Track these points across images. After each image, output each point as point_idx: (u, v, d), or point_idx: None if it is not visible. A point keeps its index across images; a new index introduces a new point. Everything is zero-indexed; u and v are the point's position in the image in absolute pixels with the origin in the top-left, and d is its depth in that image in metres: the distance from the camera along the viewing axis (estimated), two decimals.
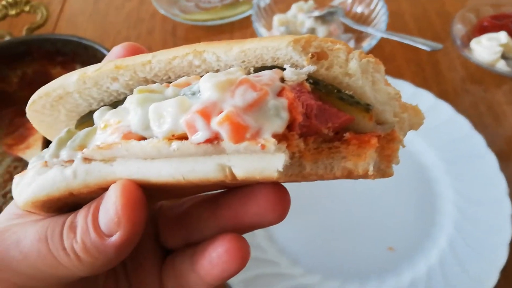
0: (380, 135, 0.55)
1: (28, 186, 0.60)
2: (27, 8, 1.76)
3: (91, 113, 0.63)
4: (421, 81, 1.67)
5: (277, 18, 1.80)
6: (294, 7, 1.84)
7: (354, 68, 0.54)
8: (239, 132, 0.47)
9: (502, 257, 1.19)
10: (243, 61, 0.55)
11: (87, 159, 0.57)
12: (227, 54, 0.55)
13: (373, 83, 0.57)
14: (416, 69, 1.73)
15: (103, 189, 0.56)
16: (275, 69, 0.53)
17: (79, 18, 2.07)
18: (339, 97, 0.54)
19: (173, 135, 0.51)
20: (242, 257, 0.57)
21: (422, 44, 1.55)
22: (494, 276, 1.16)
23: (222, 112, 0.48)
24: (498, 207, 1.28)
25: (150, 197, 0.57)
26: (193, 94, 0.53)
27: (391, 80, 1.55)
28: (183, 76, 0.59)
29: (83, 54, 1.66)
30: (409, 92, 1.53)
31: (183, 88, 0.55)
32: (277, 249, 1.29)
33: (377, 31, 1.67)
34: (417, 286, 1.20)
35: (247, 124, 0.47)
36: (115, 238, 0.52)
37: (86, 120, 0.65)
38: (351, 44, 1.77)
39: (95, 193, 0.58)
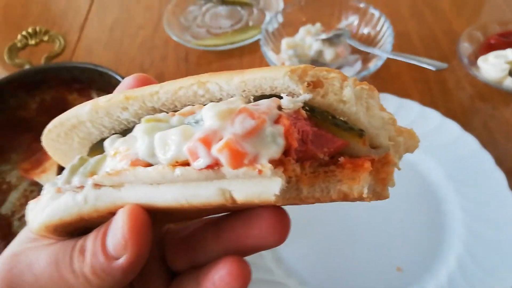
0: (374, 159, 0.57)
1: (42, 211, 0.64)
2: (46, 38, 1.84)
3: (102, 140, 0.67)
4: (429, 100, 1.68)
5: (285, 42, 1.84)
6: (302, 30, 1.87)
7: (348, 95, 0.56)
8: (238, 158, 0.49)
9: None
10: (244, 90, 0.58)
11: (97, 185, 0.60)
12: (228, 84, 0.59)
13: (368, 109, 0.59)
14: (423, 88, 1.74)
15: (112, 213, 0.59)
16: (273, 98, 0.56)
17: (95, 46, 2.15)
18: (334, 123, 0.57)
19: (176, 162, 0.53)
20: (244, 279, 0.58)
21: (428, 64, 1.56)
22: None
23: (222, 139, 0.51)
24: (508, 226, 1.26)
25: (157, 221, 0.60)
26: (197, 122, 0.56)
27: (397, 99, 1.57)
28: (189, 105, 0.63)
29: (98, 81, 1.72)
30: (416, 111, 1.54)
31: (187, 116, 0.58)
32: (285, 270, 1.29)
33: (383, 52, 1.69)
34: None
35: (245, 150, 0.50)
36: (122, 260, 0.54)
37: (98, 147, 0.68)
38: (358, 65, 1.80)
39: (105, 218, 0.60)
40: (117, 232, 0.55)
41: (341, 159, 0.56)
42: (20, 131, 1.72)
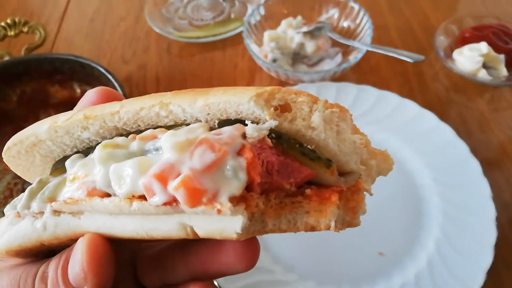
0: (343, 189, 0.56)
1: (1, 236, 0.63)
2: (25, 29, 1.81)
3: (65, 158, 0.66)
4: (407, 92, 1.73)
5: (267, 34, 1.87)
6: (284, 23, 1.90)
7: (316, 121, 0.54)
8: (195, 197, 0.47)
9: (487, 258, 1.23)
10: (208, 114, 0.56)
11: (56, 212, 0.59)
12: (191, 107, 0.56)
13: (338, 133, 0.57)
14: (402, 80, 1.80)
15: (73, 240, 0.58)
16: (237, 125, 0.53)
17: (76, 37, 2.13)
18: (301, 152, 0.55)
19: (133, 196, 0.52)
20: None
21: (405, 56, 1.61)
22: (480, 278, 1.20)
23: (179, 174, 0.48)
24: (483, 210, 1.33)
25: (125, 242, 0.59)
26: (157, 150, 0.54)
27: (377, 91, 1.62)
28: (152, 124, 0.61)
29: (80, 72, 1.72)
30: (395, 102, 1.60)
31: (148, 142, 0.56)
32: (272, 258, 1.33)
33: (363, 45, 1.73)
34: None
35: (203, 187, 0.47)
36: None
37: (60, 165, 0.67)
38: (339, 57, 1.84)
39: (66, 243, 0.60)
40: (76, 265, 0.54)
41: (308, 191, 0.54)
42: (0, 123, 1.69)
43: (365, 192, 0.60)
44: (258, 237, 1.34)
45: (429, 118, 1.55)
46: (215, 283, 1.22)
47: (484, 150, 1.54)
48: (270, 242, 1.36)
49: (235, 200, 0.48)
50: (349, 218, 0.57)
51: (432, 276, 1.25)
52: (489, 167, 1.45)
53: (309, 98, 0.55)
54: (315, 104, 0.55)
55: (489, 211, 1.32)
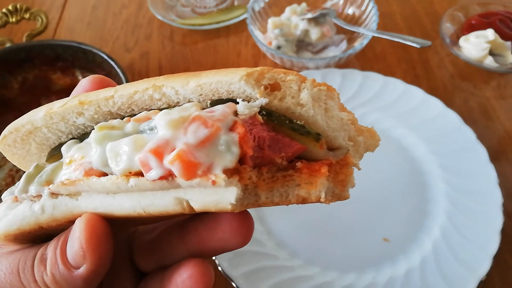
0: (332, 162, 0.58)
1: None
2: (27, 16, 1.79)
3: (61, 145, 0.66)
4: (412, 79, 1.72)
5: (271, 21, 1.85)
6: (288, 10, 1.88)
7: (305, 98, 0.56)
8: (190, 170, 0.49)
9: (494, 244, 1.22)
10: (200, 95, 0.58)
11: (54, 194, 0.60)
12: (184, 88, 0.58)
13: (326, 110, 0.59)
14: (407, 67, 1.78)
15: (71, 222, 0.58)
16: (229, 103, 0.55)
17: (78, 24, 2.11)
18: (291, 127, 0.56)
19: (130, 172, 0.53)
20: (206, 282, 0.59)
21: (412, 42, 1.60)
22: (486, 263, 1.19)
23: (174, 149, 0.50)
24: (489, 197, 1.32)
25: (122, 225, 0.61)
26: (151, 129, 0.55)
27: (383, 77, 1.60)
28: (146, 108, 0.62)
29: (82, 59, 1.71)
30: (401, 89, 1.58)
31: (142, 123, 0.57)
32: (276, 243, 1.32)
33: (368, 31, 1.71)
34: (412, 275, 1.23)
35: (198, 161, 0.49)
36: (82, 270, 0.55)
37: (56, 152, 0.67)
38: (344, 44, 1.82)
39: (64, 226, 0.60)
40: (75, 243, 0.54)
41: (298, 164, 0.56)
42: (2, 111, 1.68)
43: (353, 167, 0.61)
44: (263, 222, 1.32)
45: (435, 104, 1.54)
46: (220, 269, 1.21)
47: (490, 137, 1.53)
48: (274, 227, 1.35)
49: (229, 172, 0.49)
50: (338, 190, 0.58)
51: (438, 262, 1.24)
52: (495, 154, 1.44)
53: (298, 77, 0.57)
54: (303, 83, 0.57)
55: (496, 198, 1.31)
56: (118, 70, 1.57)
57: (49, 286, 0.56)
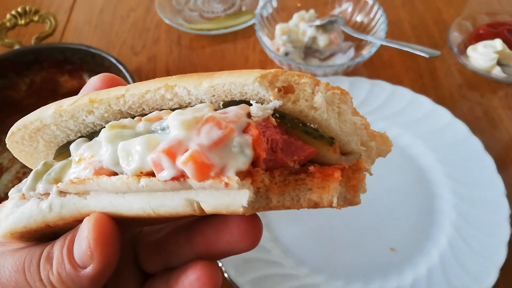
0: (345, 167, 0.57)
1: (6, 219, 0.62)
2: (36, 18, 1.80)
3: (69, 143, 0.65)
4: (420, 88, 1.72)
5: (279, 27, 1.85)
6: (296, 16, 1.88)
7: (319, 101, 0.56)
8: (203, 171, 0.48)
9: (501, 256, 1.22)
10: (213, 95, 0.57)
11: (62, 192, 0.59)
12: (197, 88, 0.57)
13: (339, 114, 0.59)
14: (415, 75, 1.78)
15: (79, 221, 0.58)
16: (242, 105, 0.55)
17: (85, 27, 2.11)
18: (304, 131, 0.56)
19: (141, 172, 0.53)
20: (213, 285, 0.59)
21: (421, 51, 1.60)
22: (493, 275, 1.19)
23: (187, 150, 0.49)
24: (496, 207, 1.32)
25: (128, 225, 0.60)
26: (163, 129, 0.54)
27: (390, 86, 1.60)
28: (157, 108, 0.61)
29: (91, 62, 1.71)
30: (408, 98, 1.58)
31: (154, 123, 0.57)
32: (282, 250, 1.32)
33: (376, 39, 1.71)
34: (419, 285, 1.23)
35: (211, 162, 0.48)
36: (89, 270, 0.54)
37: (64, 150, 0.67)
38: (351, 52, 1.82)
39: (72, 225, 0.60)
40: (83, 242, 0.54)
41: (311, 168, 0.56)
42: (9, 112, 1.69)
43: (365, 172, 0.61)
44: (269, 229, 1.32)
45: (443, 114, 1.54)
46: (226, 275, 1.21)
47: (496, 147, 1.53)
48: (281, 233, 1.35)
49: (241, 175, 0.49)
50: (350, 195, 0.58)
51: (445, 272, 1.23)
52: (502, 164, 1.43)
53: (312, 80, 0.57)
54: (317, 86, 0.57)
55: (503, 208, 1.31)
56: (126, 74, 1.57)
57: (54, 285, 0.56)
